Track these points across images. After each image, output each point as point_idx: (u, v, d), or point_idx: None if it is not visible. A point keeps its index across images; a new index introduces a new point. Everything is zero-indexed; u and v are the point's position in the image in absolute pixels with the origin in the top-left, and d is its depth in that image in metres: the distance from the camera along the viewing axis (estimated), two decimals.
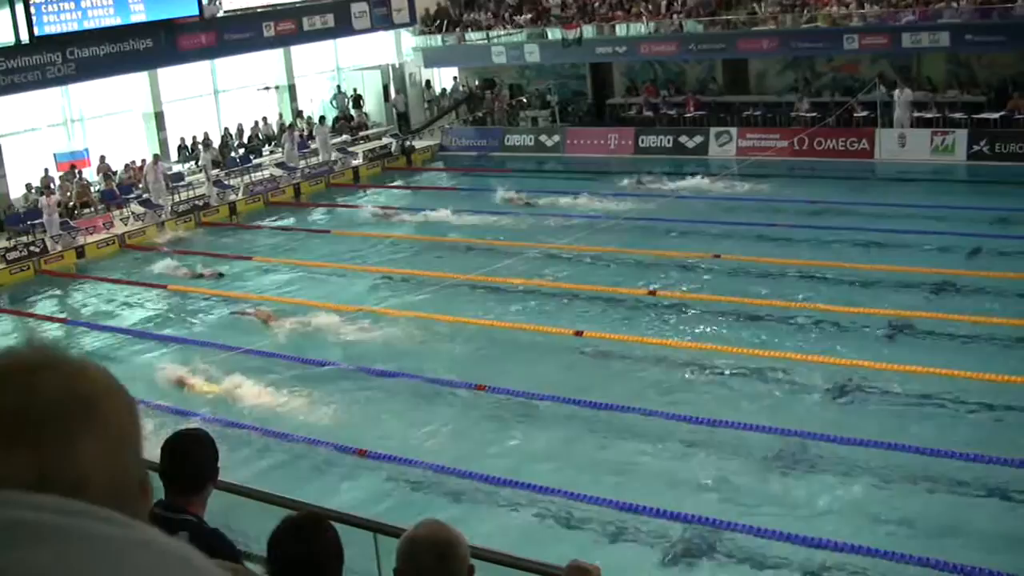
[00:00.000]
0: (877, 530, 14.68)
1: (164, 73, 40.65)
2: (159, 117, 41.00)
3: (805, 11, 42.00)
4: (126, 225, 36.03)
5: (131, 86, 40.12)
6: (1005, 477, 15.70)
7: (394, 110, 49.89)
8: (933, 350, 20.91)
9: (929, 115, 39.31)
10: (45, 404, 1.62)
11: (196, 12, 39.25)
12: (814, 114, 40.93)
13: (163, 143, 40.76)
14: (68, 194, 36.31)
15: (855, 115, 40.31)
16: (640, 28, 44.98)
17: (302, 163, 42.35)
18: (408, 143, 46.46)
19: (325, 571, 5.09)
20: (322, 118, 45.52)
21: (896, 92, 39.11)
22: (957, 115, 38.94)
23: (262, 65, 44.96)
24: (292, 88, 46.52)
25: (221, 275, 29.79)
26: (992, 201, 32.04)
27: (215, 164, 40.18)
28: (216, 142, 42.08)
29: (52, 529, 1.50)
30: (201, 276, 29.90)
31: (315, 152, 43.62)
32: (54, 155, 37.54)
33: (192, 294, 28.52)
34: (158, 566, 1.55)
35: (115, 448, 1.68)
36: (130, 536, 1.55)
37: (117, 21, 36.46)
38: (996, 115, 38.19)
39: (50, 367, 1.66)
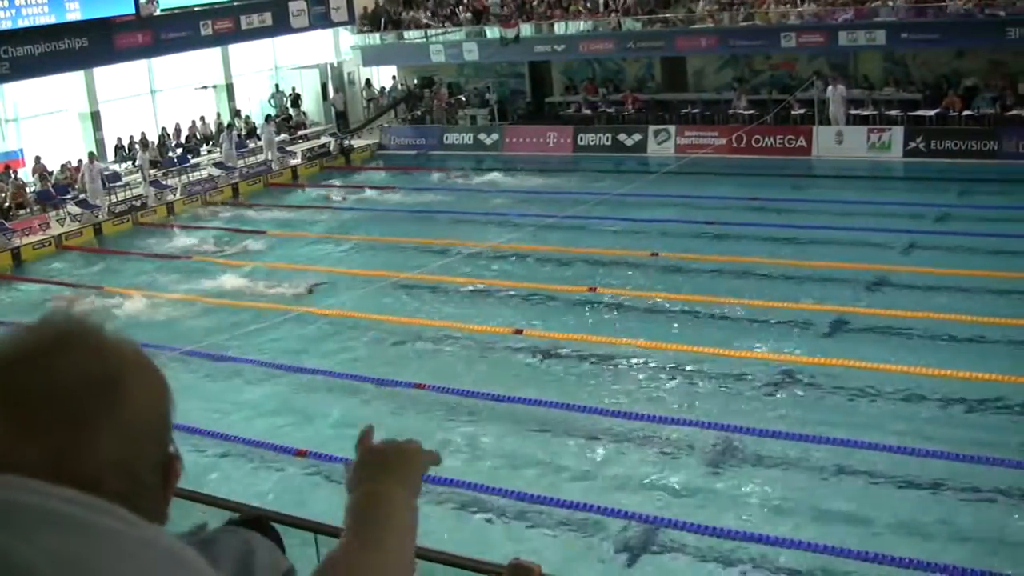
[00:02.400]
0: (822, 526, 14.76)
1: (100, 72, 40.31)
2: (95, 117, 40.68)
3: (743, 9, 42.19)
4: (62, 226, 35.70)
5: (67, 85, 39.80)
6: (941, 471, 15.82)
7: (333, 109, 49.72)
8: (872, 345, 21.05)
9: (866, 112, 39.60)
10: (64, 389, 1.60)
11: (133, 10, 39.02)
12: (752, 112, 41.14)
13: (100, 143, 40.41)
14: (3, 195, 35.89)
15: (792, 112, 40.53)
16: (578, 26, 45.03)
17: (240, 163, 42.12)
18: (347, 142, 46.32)
19: None
20: (268, 116, 45.37)
21: (830, 88, 39.36)
22: (893, 112, 39.27)
23: (199, 64, 44.63)
24: (230, 87, 46.28)
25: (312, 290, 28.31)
26: (928, 197, 32.30)
27: (152, 164, 39.87)
28: (154, 142, 41.74)
29: (59, 518, 1.50)
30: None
31: (253, 152, 43.42)
32: None
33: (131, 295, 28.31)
34: (157, 563, 1.54)
35: (136, 433, 1.66)
36: (133, 533, 1.54)
37: (52, 20, 36.17)
38: (931, 112, 38.53)
39: (73, 347, 1.64)
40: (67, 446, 1.58)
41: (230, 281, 28.46)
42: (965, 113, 38.05)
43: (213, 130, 44.34)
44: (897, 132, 38.21)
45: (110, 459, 1.61)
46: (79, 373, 1.62)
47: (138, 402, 1.67)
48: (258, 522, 5.42)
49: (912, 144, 37.75)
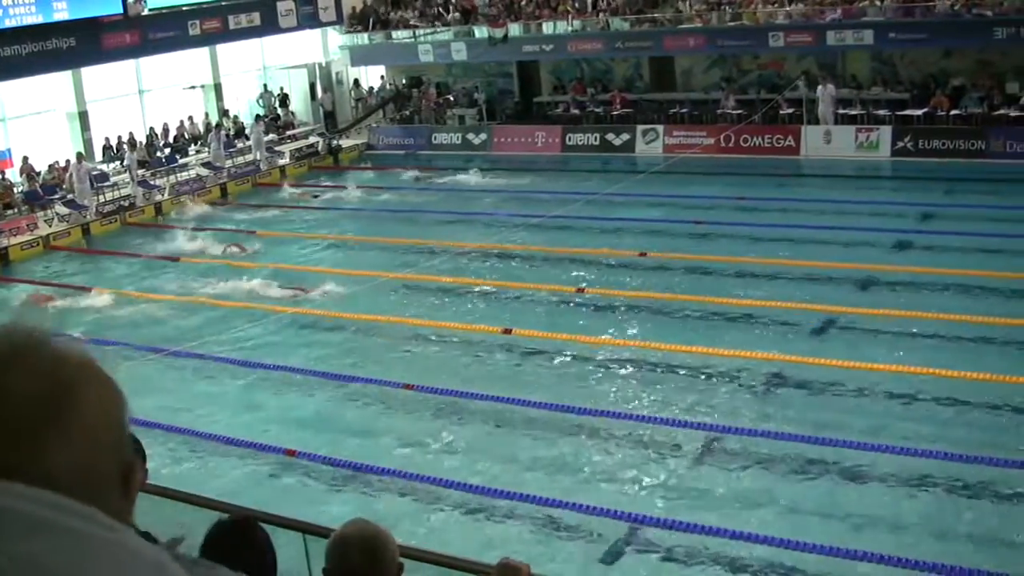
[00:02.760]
0: (808, 525, 14.77)
1: (88, 72, 40.21)
2: (83, 117, 40.57)
3: (730, 9, 42.21)
4: (50, 226, 35.62)
5: (54, 85, 39.69)
6: (932, 470, 15.85)
7: (321, 109, 49.66)
8: (860, 344, 21.08)
9: (854, 112, 39.64)
10: (15, 403, 1.58)
11: (120, 10, 38.92)
12: (740, 111, 41.15)
13: (88, 143, 40.30)
14: None
15: (781, 112, 40.56)
16: (567, 26, 45.01)
17: (228, 163, 42.07)
18: (335, 142, 46.27)
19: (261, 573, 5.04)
20: (258, 116, 45.28)
21: (819, 87, 39.42)
22: (881, 112, 39.32)
23: (188, 64, 44.51)
24: (218, 87, 46.17)
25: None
26: (916, 197, 32.37)
27: (141, 164, 39.76)
28: (142, 142, 41.64)
29: (32, 520, 1.48)
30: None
31: (242, 152, 43.36)
32: None
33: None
34: (130, 567, 1.52)
35: (90, 444, 1.64)
36: (108, 536, 1.52)
37: (39, 19, 36.08)
38: (919, 112, 38.57)
39: (25, 358, 1.62)
40: (16, 461, 1.57)
41: (219, 281, 28.41)
42: (953, 113, 38.10)
43: (201, 130, 44.22)
44: (885, 132, 38.26)
45: (63, 472, 1.60)
46: (34, 385, 1.59)
47: (90, 412, 1.64)
48: (246, 522, 5.40)
49: (900, 143, 37.81)
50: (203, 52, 44.69)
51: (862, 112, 39.55)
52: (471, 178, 39.67)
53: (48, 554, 1.46)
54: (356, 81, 50.94)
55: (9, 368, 1.60)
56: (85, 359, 1.69)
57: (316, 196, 39.30)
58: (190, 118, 44.44)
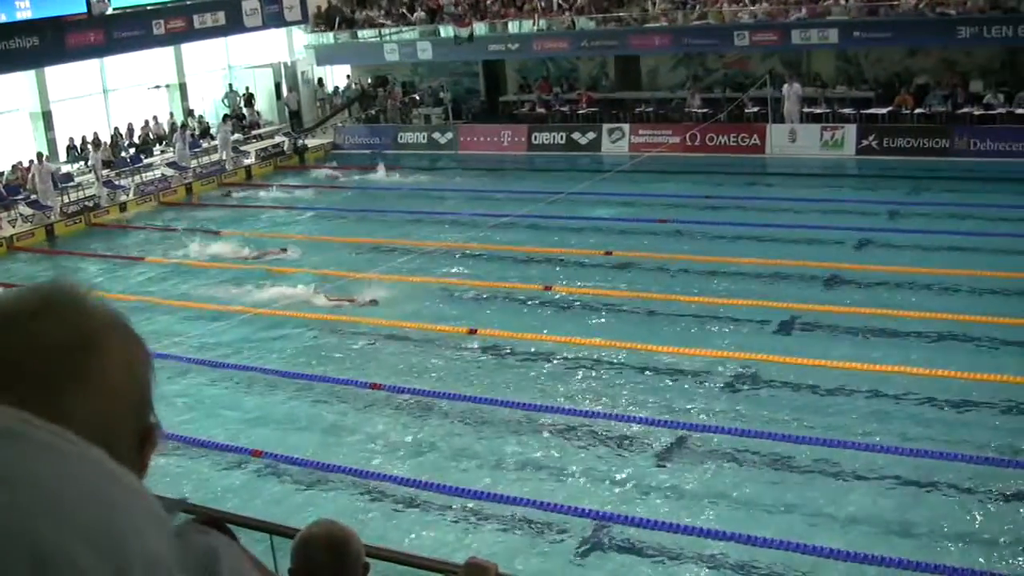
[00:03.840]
0: (774, 522, 14.81)
1: (52, 72, 39.97)
2: (47, 116, 40.33)
3: (696, 8, 42.28)
4: (14, 227, 35.41)
5: (17, 85, 39.46)
6: (896, 466, 15.92)
7: (287, 108, 49.53)
8: (826, 341, 21.17)
9: (819, 110, 39.77)
10: (41, 351, 1.59)
11: (84, 9, 38.70)
12: (706, 110, 41.23)
13: (51, 143, 40.08)
14: None
15: (746, 111, 40.68)
16: (532, 25, 45.00)
17: (194, 163, 41.91)
18: (301, 142, 46.18)
19: None
20: (225, 116, 45.09)
21: (785, 86, 39.56)
22: (846, 110, 39.48)
23: (152, 63, 44.32)
24: (183, 87, 45.95)
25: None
26: (880, 195, 32.52)
27: (105, 164, 39.54)
28: (106, 142, 41.42)
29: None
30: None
31: (207, 152, 43.21)
32: None
33: None
34: (98, 478, 1.51)
35: (112, 398, 1.64)
36: (78, 450, 1.51)
37: (2, 18, 35.86)
38: (884, 110, 38.79)
39: (54, 311, 1.63)
40: (38, 409, 1.56)
41: (183, 281, 28.33)
42: (917, 111, 38.28)
43: (166, 130, 44.01)
44: (850, 130, 38.42)
45: (83, 423, 1.60)
46: (57, 336, 1.60)
47: (116, 367, 1.65)
48: (214, 524, 5.35)
49: (865, 142, 37.97)
50: (168, 52, 44.46)
51: (827, 111, 39.70)
52: (380, 175, 40.04)
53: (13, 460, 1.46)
54: (320, 80, 50.81)
55: (38, 317, 1.62)
56: (116, 316, 1.70)
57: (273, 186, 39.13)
58: (155, 118, 44.20)
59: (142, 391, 1.73)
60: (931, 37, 38.52)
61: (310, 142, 46.78)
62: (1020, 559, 13.63)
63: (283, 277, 27.72)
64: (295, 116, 49.47)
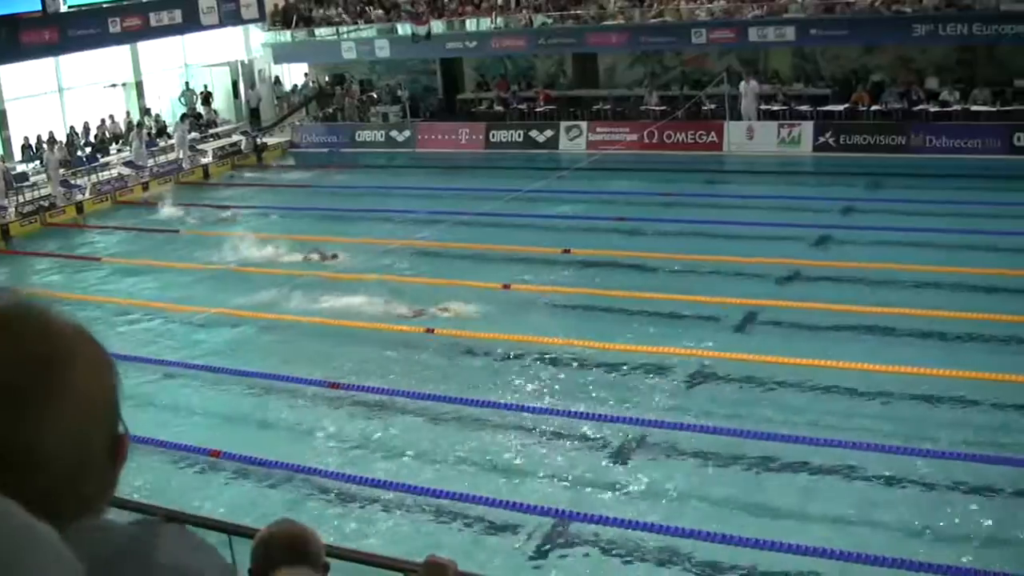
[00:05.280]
0: (734, 519, 14.83)
1: (5, 70, 39.62)
2: (1, 116, 40.00)
3: (654, 6, 42.35)
4: None
5: None
6: (854, 461, 15.97)
7: (247, 105, 49.37)
8: (784, 338, 21.24)
9: (776, 108, 39.92)
10: (5, 371, 1.56)
11: (39, 7, 38.45)
12: (663, 108, 41.36)
13: (6, 142, 39.79)
14: None
15: (703, 108, 40.82)
16: (490, 23, 45.00)
17: (151, 162, 41.68)
18: (260, 140, 46.05)
19: None
20: (183, 115, 44.90)
21: (742, 84, 39.72)
22: (803, 108, 39.66)
23: (108, 62, 44.04)
24: (140, 85, 45.67)
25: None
26: (838, 191, 32.68)
27: (61, 163, 39.24)
28: (62, 141, 41.13)
29: None
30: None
31: (164, 150, 42.99)
32: None
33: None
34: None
35: (82, 414, 1.63)
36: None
37: None
38: (841, 107, 39.02)
39: (16, 327, 1.60)
40: (7, 430, 1.53)
41: (138, 281, 28.19)
42: (874, 108, 38.52)
43: (123, 129, 43.76)
44: (807, 127, 38.62)
45: (54, 441, 1.58)
46: (21, 355, 1.58)
47: (83, 382, 1.63)
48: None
49: (822, 139, 38.19)
50: (124, 50, 44.19)
51: (784, 108, 39.86)
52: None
53: None
54: (276, 79, 50.65)
55: (4, 332, 1.58)
56: (81, 328, 1.67)
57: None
58: (111, 117, 43.95)
59: (111, 402, 1.70)
60: (887, 35, 38.75)
61: (268, 140, 46.60)
62: (983, 552, 13.69)
63: (241, 276, 27.65)
64: (255, 113, 49.33)
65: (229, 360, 22.31)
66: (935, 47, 38.93)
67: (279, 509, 15.21)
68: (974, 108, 37.21)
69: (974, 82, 38.22)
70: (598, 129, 41.84)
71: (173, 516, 6.37)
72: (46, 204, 37.32)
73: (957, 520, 14.53)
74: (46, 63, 41.50)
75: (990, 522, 14.41)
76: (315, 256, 28.49)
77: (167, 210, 36.54)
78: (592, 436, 17.74)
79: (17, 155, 40.12)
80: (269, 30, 49.38)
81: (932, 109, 37.67)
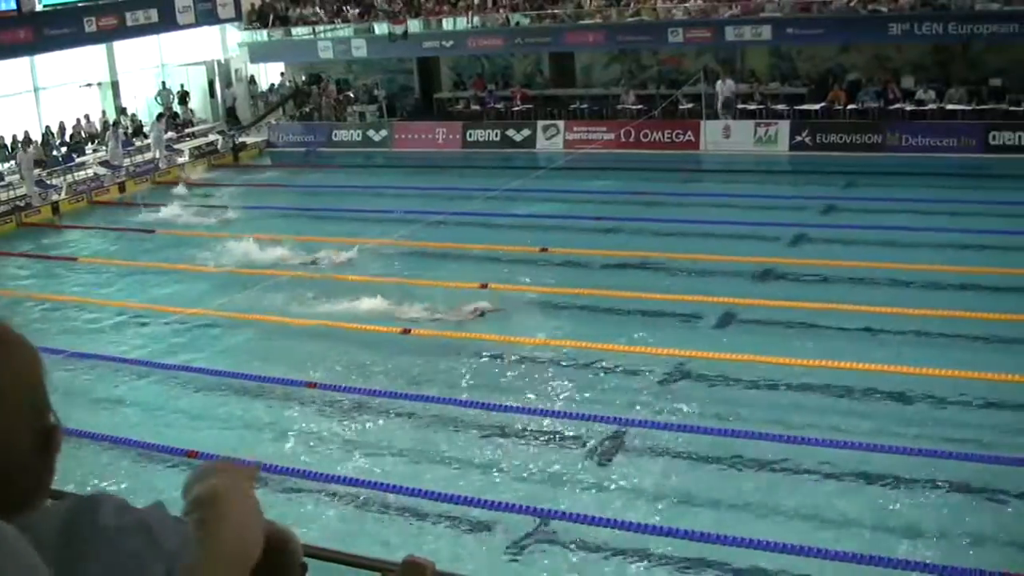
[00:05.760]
0: (713, 517, 14.86)
1: None
2: None
3: (631, 5, 42.38)
4: None
5: None
6: (831, 459, 16.00)
7: (224, 104, 49.26)
8: (761, 336, 21.28)
9: (752, 107, 39.99)
10: None
11: (14, 6, 38.27)
12: (640, 107, 41.41)
13: None
14: None
15: (680, 107, 40.88)
16: (466, 22, 44.99)
17: (127, 161, 41.54)
18: (239, 139, 45.98)
19: None
20: (160, 115, 44.70)
21: (718, 83, 39.79)
22: (780, 107, 39.73)
23: (84, 61, 43.88)
24: (115, 85, 45.46)
25: None
26: (814, 190, 32.74)
27: (37, 163, 39.06)
28: (37, 141, 40.93)
29: None
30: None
31: (140, 150, 42.84)
32: None
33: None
34: None
35: (6, 408, 1.60)
36: None
37: None
38: (817, 106, 39.12)
39: None
40: None
41: (114, 282, 28.11)
42: (850, 107, 38.65)
43: (99, 128, 43.59)
44: (783, 126, 38.72)
45: None
46: None
47: (4, 377, 1.60)
48: None
49: (798, 138, 38.28)
50: (100, 49, 44.02)
51: (760, 107, 39.93)
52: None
53: None
54: (252, 78, 50.53)
55: None
56: (0, 326, 1.65)
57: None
58: (87, 116, 43.76)
59: (38, 394, 1.69)
60: (863, 34, 38.87)
61: (245, 140, 46.49)
62: (948, 548, 13.74)
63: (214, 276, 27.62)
64: (232, 113, 49.24)
65: (207, 360, 22.25)
66: (911, 46, 39.07)
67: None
68: (950, 107, 37.37)
69: (950, 81, 38.37)
70: (575, 128, 41.88)
71: None
72: (21, 204, 37.16)
73: (930, 516, 14.58)
74: (21, 62, 41.28)
75: (965, 518, 14.49)
76: (324, 257, 28.20)
77: (141, 211, 36.44)
78: (570, 435, 17.74)
79: None
80: (246, 29, 49.24)
81: (908, 108, 37.81)
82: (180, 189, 39.44)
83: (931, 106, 37.58)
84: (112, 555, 1.84)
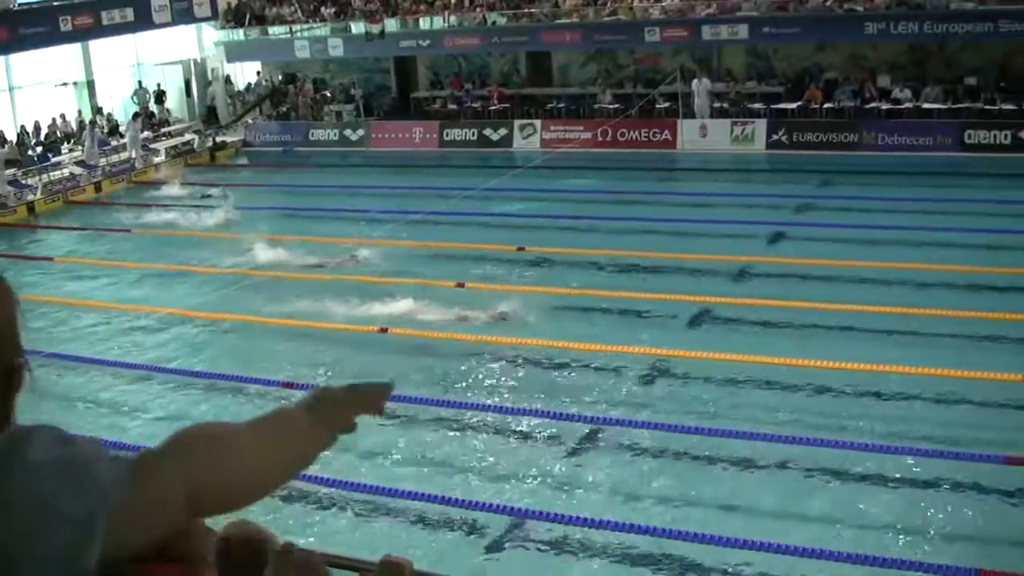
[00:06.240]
0: (688, 515, 14.88)
1: None
2: None
3: (607, 4, 42.41)
4: None
5: None
6: (806, 456, 16.04)
7: (204, 103, 49.17)
8: (739, 335, 21.32)
9: (729, 105, 40.06)
10: None
11: None
12: (617, 106, 41.48)
13: None
14: None
15: (657, 106, 40.95)
16: (443, 22, 44.98)
17: (103, 161, 41.40)
18: (219, 138, 45.92)
19: None
20: (135, 114, 44.51)
21: (695, 82, 39.84)
22: (756, 105, 39.80)
23: (59, 60, 43.70)
24: (91, 84, 45.31)
25: None
26: (791, 189, 32.78)
27: (11, 163, 38.89)
28: (12, 140, 40.76)
29: None
30: None
31: (116, 150, 42.70)
32: None
33: None
34: None
35: None
36: None
37: None
38: (793, 105, 39.19)
39: None
40: None
41: (90, 282, 28.02)
42: (826, 106, 38.74)
43: (74, 128, 43.43)
44: (760, 125, 38.79)
45: None
46: None
47: None
48: None
49: (775, 136, 38.36)
50: (75, 48, 43.85)
51: (737, 106, 39.99)
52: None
53: None
54: (228, 77, 50.40)
55: None
56: None
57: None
58: (62, 116, 43.59)
59: (9, 329, 1.68)
60: (839, 33, 38.98)
61: (222, 139, 46.41)
62: (915, 544, 13.80)
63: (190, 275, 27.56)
64: (212, 112, 49.16)
65: (184, 361, 22.20)
66: (887, 45, 39.18)
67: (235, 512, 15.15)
68: (926, 106, 37.51)
69: (925, 80, 38.50)
70: (552, 127, 41.90)
71: None
72: None
73: (900, 512, 14.66)
74: None
75: (939, 515, 14.54)
76: (336, 259, 28.09)
77: (116, 211, 36.31)
78: (547, 434, 17.75)
79: None
80: (222, 28, 49.12)
81: (884, 107, 37.94)
82: (173, 188, 39.33)
83: (907, 105, 37.73)
84: (31, 492, 1.82)
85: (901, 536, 14.17)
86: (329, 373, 20.79)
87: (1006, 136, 35.69)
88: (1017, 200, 29.25)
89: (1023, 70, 37.78)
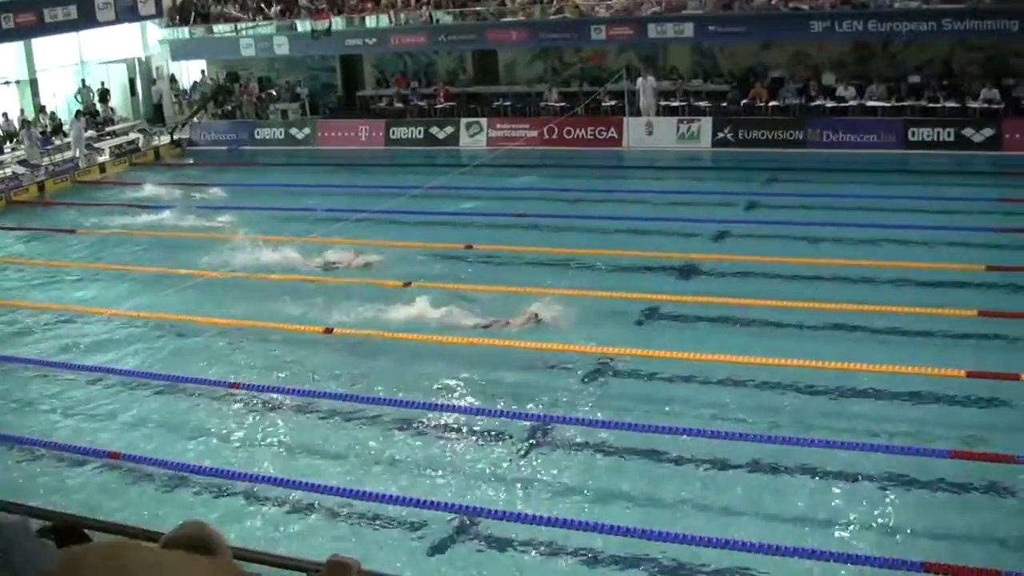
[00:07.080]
0: (636, 511, 14.90)
1: None
2: None
3: (553, 2, 42.46)
4: None
5: None
6: (751, 453, 16.09)
7: (151, 100, 48.90)
8: (684, 332, 21.39)
9: (675, 103, 40.22)
10: None
11: None
12: (563, 104, 41.58)
13: None
14: None
15: (603, 104, 41.04)
16: (390, 19, 44.91)
17: (46, 160, 41.08)
18: (175, 135, 45.82)
19: None
20: (78, 112, 44.22)
21: (640, 80, 39.96)
22: (702, 103, 39.96)
23: (2, 58, 43.30)
24: (34, 83, 44.95)
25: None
26: (736, 186, 32.96)
27: None
28: None
29: None
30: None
31: (59, 149, 42.38)
32: None
33: None
34: None
35: None
36: None
37: None
38: (739, 103, 39.35)
39: None
40: None
41: (34, 283, 27.82)
42: (771, 104, 38.95)
43: (17, 127, 43.06)
44: (706, 123, 38.96)
45: None
46: None
47: None
48: (71, 530, 5.23)
49: (720, 134, 38.54)
50: (17, 46, 43.45)
51: (683, 104, 40.16)
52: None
53: None
54: (172, 76, 50.13)
55: None
56: None
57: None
58: (4, 115, 43.21)
59: None
60: (784, 31, 39.21)
61: (164, 139, 46.16)
62: (887, 538, 13.86)
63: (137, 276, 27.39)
64: (158, 110, 48.88)
65: (129, 362, 22.04)
66: (832, 44, 39.47)
67: (182, 511, 15.09)
68: (870, 103, 37.82)
69: (870, 78, 38.80)
70: (498, 125, 41.94)
71: (72, 522, 6.26)
72: None
73: (854, 507, 14.71)
74: None
75: (892, 510, 14.62)
76: (337, 259, 27.93)
77: (60, 211, 36.03)
78: (494, 432, 17.73)
79: None
80: (167, 27, 48.82)
81: (829, 104, 38.26)
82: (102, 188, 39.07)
83: (851, 103, 38.05)
84: None
85: (863, 531, 14.21)
86: (277, 373, 20.71)
87: (949, 133, 36.02)
88: (960, 197, 29.51)
89: (966, 68, 38.14)
